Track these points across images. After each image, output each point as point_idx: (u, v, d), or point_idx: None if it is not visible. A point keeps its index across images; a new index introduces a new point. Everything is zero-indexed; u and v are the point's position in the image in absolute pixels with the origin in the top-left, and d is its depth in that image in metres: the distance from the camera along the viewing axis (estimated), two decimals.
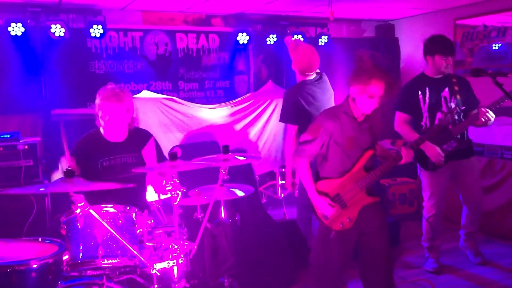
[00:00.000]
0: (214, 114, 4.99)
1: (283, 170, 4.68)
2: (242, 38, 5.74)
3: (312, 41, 6.11)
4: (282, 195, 4.91)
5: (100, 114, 2.86)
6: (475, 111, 3.61)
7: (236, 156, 2.78)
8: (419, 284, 3.77)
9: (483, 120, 3.42)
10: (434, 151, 3.56)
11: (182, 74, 5.78)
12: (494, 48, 5.60)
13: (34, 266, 2.11)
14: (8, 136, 4.11)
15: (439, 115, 3.67)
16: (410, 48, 6.77)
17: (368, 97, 2.56)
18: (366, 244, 2.80)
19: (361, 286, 3.01)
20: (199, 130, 4.84)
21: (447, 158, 3.60)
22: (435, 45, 3.69)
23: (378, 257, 2.81)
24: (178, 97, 5.29)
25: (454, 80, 3.73)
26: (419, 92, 3.72)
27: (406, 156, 2.76)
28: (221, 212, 3.01)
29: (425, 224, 3.94)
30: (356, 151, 2.71)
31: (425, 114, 3.72)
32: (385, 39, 6.85)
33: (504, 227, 4.63)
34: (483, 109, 3.42)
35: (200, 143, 4.68)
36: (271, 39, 5.92)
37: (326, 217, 2.68)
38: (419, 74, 3.86)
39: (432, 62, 3.70)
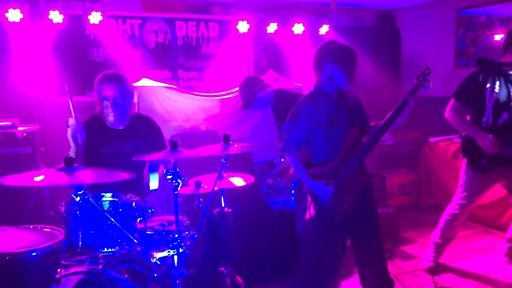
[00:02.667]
0: (214, 103, 4.96)
1: (283, 160, 4.66)
2: (242, 26, 5.69)
3: (313, 30, 6.07)
4: (282, 185, 4.90)
5: (99, 99, 2.82)
6: None
7: (236, 145, 2.76)
8: (418, 274, 3.78)
9: None
10: (488, 139, 3.26)
11: (181, 62, 5.74)
12: (496, 38, 5.56)
13: (33, 254, 2.10)
14: (7, 123, 4.08)
15: (505, 116, 3.31)
16: (412, 38, 6.74)
17: (344, 72, 2.63)
18: (360, 232, 2.79)
19: (356, 279, 3.00)
20: (199, 119, 4.82)
21: (500, 163, 3.33)
22: None
23: (372, 244, 2.81)
24: (177, 86, 5.26)
25: None
26: (487, 85, 3.31)
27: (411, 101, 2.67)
28: (221, 201, 3.00)
29: (446, 219, 3.68)
30: (340, 130, 2.70)
31: (488, 111, 3.33)
32: (386, 28, 6.80)
33: (502, 219, 4.62)
34: None
35: (200, 132, 4.66)
36: (272, 27, 5.87)
37: (327, 202, 2.65)
38: (494, 63, 3.40)
39: None
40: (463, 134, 3.54)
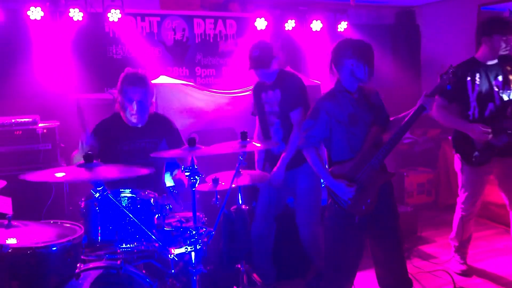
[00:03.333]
0: (231, 100, 4.96)
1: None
2: (260, 23, 5.67)
3: (331, 27, 6.02)
4: None
5: (122, 99, 2.85)
6: None
7: (254, 143, 2.76)
8: (437, 274, 3.73)
9: None
10: (477, 129, 3.30)
11: (199, 60, 5.75)
12: None
13: (53, 249, 2.13)
14: (28, 119, 4.15)
15: (490, 106, 3.37)
16: (431, 36, 6.63)
17: (365, 66, 2.64)
18: (379, 230, 2.75)
19: (372, 277, 2.97)
20: (217, 116, 4.82)
21: (493, 154, 3.36)
22: (493, 24, 3.38)
23: (391, 243, 2.77)
24: (195, 83, 5.27)
25: (509, 67, 3.41)
26: (468, 78, 3.39)
27: (430, 104, 2.64)
28: (238, 198, 3.01)
29: (457, 222, 3.67)
30: (361, 128, 2.67)
31: (473, 104, 3.41)
32: (405, 26, 6.71)
33: None
34: None
35: (217, 129, 4.66)
36: (290, 24, 5.84)
37: (347, 201, 2.64)
38: (469, 58, 3.50)
39: (490, 44, 3.36)
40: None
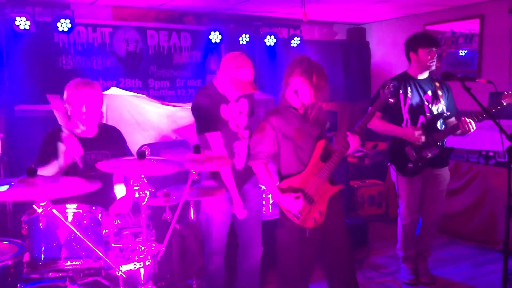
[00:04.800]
0: (185, 113, 4.92)
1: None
2: (215, 37, 5.70)
3: (284, 42, 6.13)
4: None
5: (71, 107, 2.76)
6: (452, 119, 3.55)
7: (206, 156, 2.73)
8: (386, 284, 3.82)
9: (465, 129, 3.30)
10: (410, 132, 3.45)
11: (152, 72, 5.69)
12: (461, 54, 5.75)
13: None
14: None
15: (421, 119, 3.52)
16: (381, 52, 6.89)
17: (310, 87, 2.64)
18: (329, 242, 2.80)
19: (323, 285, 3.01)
20: (170, 129, 4.77)
21: (425, 165, 3.51)
22: (416, 39, 3.54)
23: (341, 254, 2.82)
24: (148, 95, 5.21)
25: (437, 84, 3.59)
26: (400, 91, 3.53)
27: (353, 142, 2.71)
28: (190, 213, 2.96)
29: (400, 232, 3.80)
30: (308, 142, 2.73)
31: (405, 116, 3.54)
32: (356, 42, 6.94)
33: (467, 228, 4.75)
34: (466, 119, 3.28)
35: (170, 142, 4.61)
36: (244, 38, 5.90)
37: (297, 215, 2.66)
38: (401, 73, 3.66)
39: (416, 59, 3.52)
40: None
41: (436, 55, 3.51)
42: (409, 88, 3.54)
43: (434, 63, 3.53)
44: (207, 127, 2.91)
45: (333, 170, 2.72)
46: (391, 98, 2.82)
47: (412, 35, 3.63)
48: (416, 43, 3.53)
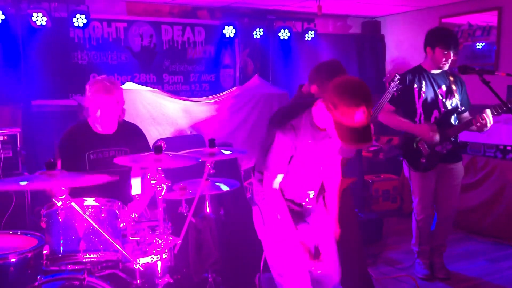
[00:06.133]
0: (200, 108, 4.94)
1: None
2: (229, 31, 5.69)
3: (298, 36, 6.10)
4: None
5: (89, 107, 2.79)
6: (466, 114, 3.52)
7: (222, 150, 2.75)
8: (402, 279, 3.80)
9: (480, 126, 3.26)
10: (425, 130, 3.40)
11: (167, 66, 5.71)
12: (478, 47, 5.66)
13: (12, 260, 2.06)
14: None
15: (435, 114, 3.48)
16: (396, 45, 6.81)
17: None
18: (341, 236, 2.79)
19: None
20: (185, 123, 4.79)
21: (438, 161, 3.49)
22: (437, 37, 3.44)
23: (353, 248, 2.83)
24: (162, 90, 5.23)
25: (452, 78, 3.54)
26: (415, 85, 3.48)
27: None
28: (206, 206, 2.98)
29: (415, 227, 3.76)
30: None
31: (419, 110, 3.50)
32: (371, 35, 6.87)
33: (484, 224, 4.70)
34: (484, 115, 3.22)
35: (185, 137, 4.63)
36: (258, 33, 5.88)
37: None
38: (416, 66, 3.61)
39: (432, 55, 3.46)
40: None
41: (451, 58, 3.42)
42: (423, 82, 3.50)
43: (447, 65, 3.47)
44: None
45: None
46: (397, 91, 2.82)
47: (434, 30, 3.53)
48: (435, 40, 3.44)
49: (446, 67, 3.49)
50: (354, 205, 2.91)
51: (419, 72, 3.55)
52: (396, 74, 2.84)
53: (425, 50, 3.54)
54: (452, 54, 3.41)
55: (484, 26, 5.57)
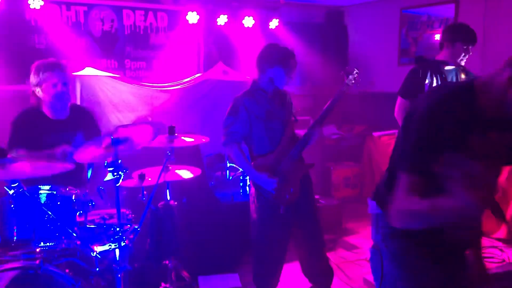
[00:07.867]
0: (162, 95, 4.88)
1: None
2: (192, 17, 5.62)
3: (263, 24, 6.09)
4: (230, 177, 4.91)
5: (41, 89, 2.71)
6: None
7: (182, 137, 2.74)
8: (360, 263, 3.92)
9: None
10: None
11: (128, 52, 5.59)
12: (436, 38, 5.82)
13: None
14: None
15: None
16: (358, 36, 6.90)
17: (285, 75, 2.80)
18: (300, 221, 2.89)
19: (297, 269, 3.08)
20: (146, 110, 4.72)
21: None
22: (457, 31, 3.43)
23: (312, 233, 2.92)
24: (124, 75, 5.13)
25: (464, 75, 3.50)
26: (426, 81, 3.44)
27: (315, 134, 2.87)
28: (166, 194, 2.97)
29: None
30: (277, 123, 2.84)
31: None
32: (334, 25, 6.93)
33: None
34: None
35: (145, 123, 4.56)
36: (222, 19, 5.83)
37: (271, 192, 2.73)
38: (430, 60, 3.57)
39: (451, 50, 3.42)
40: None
41: (470, 53, 3.42)
42: (434, 78, 3.46)
43: (464, 61, 3.47)
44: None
45: (303, 148, 2.80)
46: (354, 84, 2.93)
47: (454, 25, 3.50)
48: (455, 35, 3.41)
49: (463, 63, 3.48)
50: (313, 193, 3.00)
51: (433, 67, 3.49)
52: (355, 69, 2.93)
53: (442, 45, 3.51)
54: (470, 50, 3.41)
55: (442, 18, 5.73)
